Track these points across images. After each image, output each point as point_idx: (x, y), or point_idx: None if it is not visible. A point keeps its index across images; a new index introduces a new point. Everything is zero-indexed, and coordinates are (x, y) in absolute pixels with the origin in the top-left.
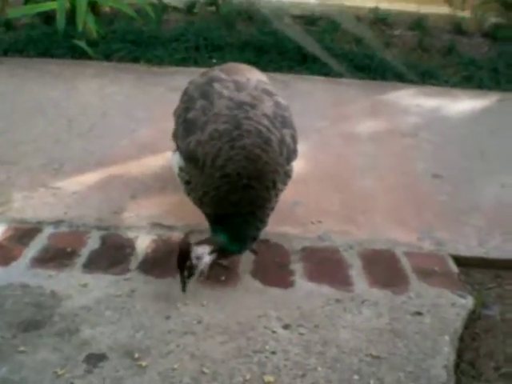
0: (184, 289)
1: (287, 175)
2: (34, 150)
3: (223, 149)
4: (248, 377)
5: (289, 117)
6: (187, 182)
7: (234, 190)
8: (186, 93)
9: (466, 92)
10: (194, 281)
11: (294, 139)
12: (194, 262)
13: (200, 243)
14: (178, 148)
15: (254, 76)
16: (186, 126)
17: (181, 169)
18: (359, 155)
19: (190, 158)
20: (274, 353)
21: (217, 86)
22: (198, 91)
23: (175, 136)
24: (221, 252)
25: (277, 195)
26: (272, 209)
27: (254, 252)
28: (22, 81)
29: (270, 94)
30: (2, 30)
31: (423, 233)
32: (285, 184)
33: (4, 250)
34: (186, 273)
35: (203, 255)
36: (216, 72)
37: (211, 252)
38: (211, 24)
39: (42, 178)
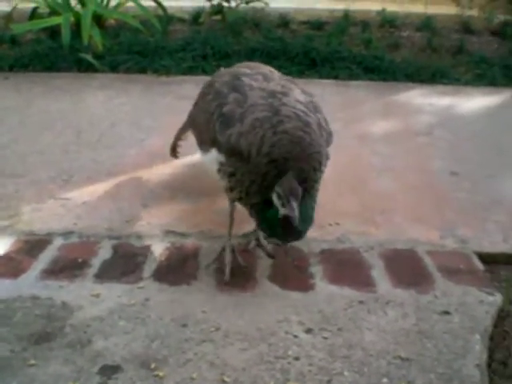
0: None
1: (327, 157)
2: (42, 162)
3: (266, 136)
4: None
5: (317, 103)
6: (231, 174)
7: (282, 173)
8: (207, 92)
9: (479, 89)
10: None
11: (327, 123)
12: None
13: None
14: (215, 144)
15: (271, 69)
16: (223, 120)
17: (222, 164)
18: (374, 155)
19: (232, 151)
20: (297, 358)
21: (245, 79)
22: (228, 86)
23: (206, 134)
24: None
25: (320, 178)
26: (317, 190)
27: (271, 256)
28: (29, 95)
29: (294, 82)
30: (7, 46)
31: (445, 231)
32: (325, 166)
33: (13, 262)
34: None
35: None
36: (237, 69)
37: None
38: (217, 32)
39: (51, 189)
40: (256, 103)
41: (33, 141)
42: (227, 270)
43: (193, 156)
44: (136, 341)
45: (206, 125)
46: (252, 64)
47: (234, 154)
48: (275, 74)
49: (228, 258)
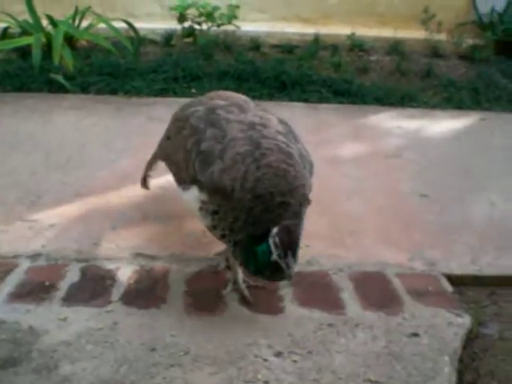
0: None
1: (310, 189)
2: (9, 183)
3: (249, 171)
4: None
5: (295, 132)
6: (214, 212)
7: (269, 208)
8: (181, 127)
9: (447, 112)
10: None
11: (308, 153)
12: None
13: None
14: (195, 183)
15: (244, 98)
16: (202, 159)
17: (204, 202)
18: (344, 178)
19: (215, 188)
20: (266, 382)
21: (221, 112)
22: (204, 121)
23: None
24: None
25: (305, 213)
26: (303, 225)
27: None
28: None
29: (269, 112)
30: None
31: (414, 253)
32: (308, 202)
33: None
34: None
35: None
36: (210, 100)
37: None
38: (189, 55)
39: (18, 210)
40: (236, 137)
41: (1, 161)
42: (246, 293)
43: (163, 178)
44: (104, 365)
45: (183, 163)
46: (222, 93)
47: (217, 192)
48: (250, 103)
49: (242, 286)
